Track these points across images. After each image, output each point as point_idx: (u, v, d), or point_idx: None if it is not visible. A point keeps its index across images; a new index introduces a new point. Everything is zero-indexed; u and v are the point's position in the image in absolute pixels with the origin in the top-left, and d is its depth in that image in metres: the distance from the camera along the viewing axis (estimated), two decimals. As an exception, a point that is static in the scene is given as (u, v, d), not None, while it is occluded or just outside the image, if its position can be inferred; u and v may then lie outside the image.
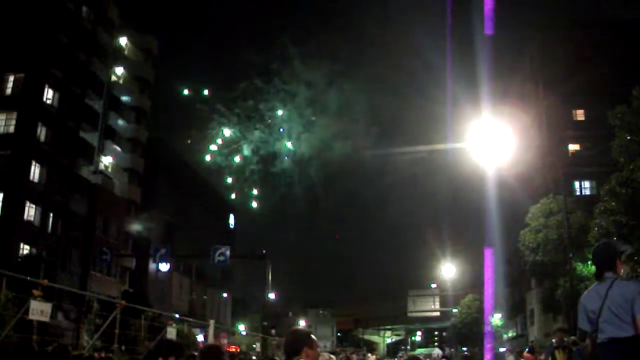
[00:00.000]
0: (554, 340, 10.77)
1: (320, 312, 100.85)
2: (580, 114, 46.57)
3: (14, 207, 37.00)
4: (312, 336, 4.13)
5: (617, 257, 5.23)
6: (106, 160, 50.36)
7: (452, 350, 51.69)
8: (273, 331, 54.12)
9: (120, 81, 53.03)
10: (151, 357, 4.30)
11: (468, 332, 50.61)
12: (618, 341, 4.75)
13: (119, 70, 52.85)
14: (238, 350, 30.04)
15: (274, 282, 44.34)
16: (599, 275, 5.15)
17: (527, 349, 13.53)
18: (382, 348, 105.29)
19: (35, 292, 8.77)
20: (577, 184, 43.96)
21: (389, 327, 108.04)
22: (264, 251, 37.12)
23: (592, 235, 22.73)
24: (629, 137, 19.13)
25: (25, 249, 37.03)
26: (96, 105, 47.65)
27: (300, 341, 4.05)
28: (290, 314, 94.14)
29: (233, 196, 46.87)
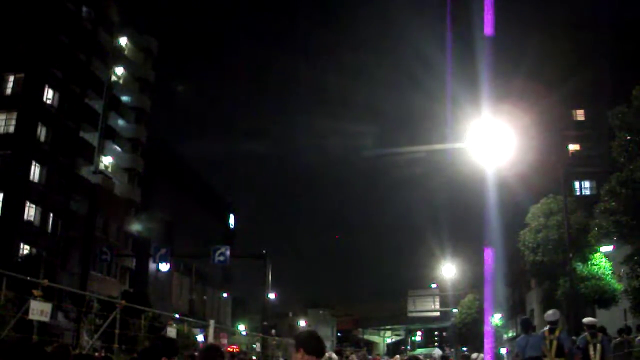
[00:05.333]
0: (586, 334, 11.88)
1: (320, 312, 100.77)
2: (580, 114, 46.60)
3: (14, 207, 36.99)
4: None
5: (532, 325, 12.80)
6: (106, 160, 50.34)
7: (452, 350, 51.67)
8: (273, 331, 54.08)
9: (120, 81, 53.02)
10: (150, 357, 4.25)
11: (468, 332, 50.59)
12: (534, 357, 10.97)
13: (119, 70, 52.84)
14: (238, 350, 29.97)
15: (274, 282, 44.30)
16: (526, 331, 11.64)
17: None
18: (382, 348, 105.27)
19: (35, 292, 8.76)
20: (577, 184, 43.99)
21: (389, 327, 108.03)
22: (264, 251, 37.09)
23: (592, 235, 22.69)
24: (628, 137, 19.07)
25: (25, 249, 37.03)
26: (96, 105, 47.64)
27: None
28: (291, 314, 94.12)
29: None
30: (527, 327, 11.90)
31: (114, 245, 42.75)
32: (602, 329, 16.48)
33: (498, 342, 40.92)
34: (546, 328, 11.36)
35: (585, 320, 12.22)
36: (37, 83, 39.90)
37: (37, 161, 39.26)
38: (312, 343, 3.94)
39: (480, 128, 16.43)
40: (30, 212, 38.37)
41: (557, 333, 11.08)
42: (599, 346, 11.25)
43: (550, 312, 11.66)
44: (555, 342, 10.91)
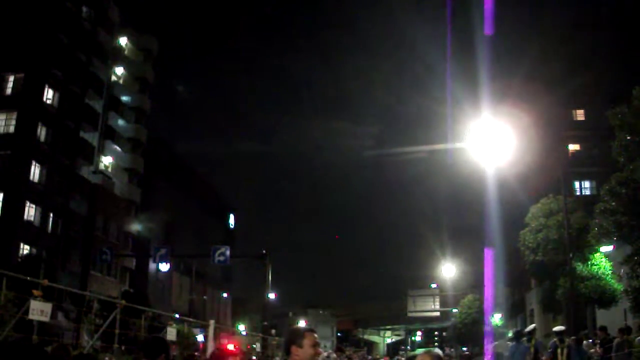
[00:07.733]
0: (556, 339, 13.78)
1: (320, 312, 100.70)
2: (580, 114, 46.55)
3: (14, 207, 37.00)
4: (307, 333, 3.84)
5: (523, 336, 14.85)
6: (106, 160, 50.35)
7: (452, 350, 51.67)
8: (273, 331, 54.08)
9: (120, 81, 53.04)
10: (154, 351, 4.28)
11: (468, 332, 50.58)
12: None
13: (119, 70, 52.85)
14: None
15: (274, 282, 44.25)
16: (517, 339, 14.62)
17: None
18: (382, 348, 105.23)
19: (35, 292, 8.75)
20: (577, 184, 43.96)
21: (389, 327, 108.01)
22: (264, 251, 37.04)
23: (592, 235, 22.65)
24: (628, 137, 19.02)
25: (25, 249, 37.04)
26: (96, 105, 47.66)
27: (289, 340, 3.82)
28: (290, 314, 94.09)
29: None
30: (519, 337, 14.93)
31: (114, 245, 42.75)
32: (603, 329, 17.27)
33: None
34: (525, 338, 14.34)
35: (555, 328, 14.75)
36: (37, 83, 39.90)
37: (37, 161, 39.27)
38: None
39: (481, 128, 16.50)
40: (30, 212, 38.37)
41: (533, 342, 14.01)
42: (565, 350, 13.52)
43: (530, 326, 14.97)
44: (532, 349, 13.98)
